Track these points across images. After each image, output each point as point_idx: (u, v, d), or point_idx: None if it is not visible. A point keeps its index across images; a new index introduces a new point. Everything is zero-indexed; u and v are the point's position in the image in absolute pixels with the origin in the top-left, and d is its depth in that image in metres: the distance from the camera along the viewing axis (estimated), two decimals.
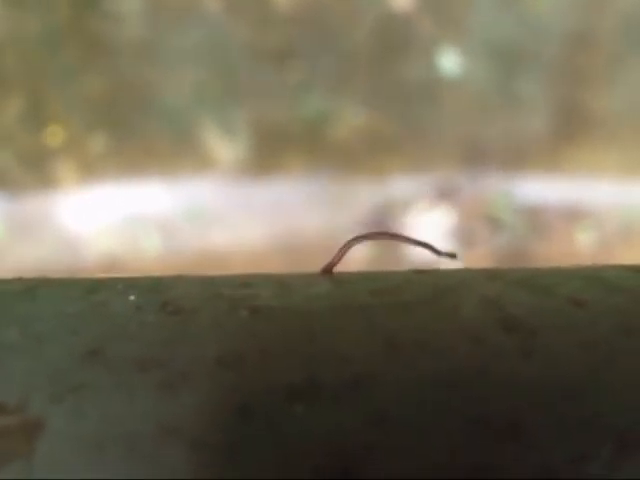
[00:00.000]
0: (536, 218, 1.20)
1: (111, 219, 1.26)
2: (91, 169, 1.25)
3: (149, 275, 0.21)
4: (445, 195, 1.20)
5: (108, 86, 1.21)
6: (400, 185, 1.20)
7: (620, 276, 0.21)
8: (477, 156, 1.18)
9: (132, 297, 0.20)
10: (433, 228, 1.21)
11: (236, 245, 1.22)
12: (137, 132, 1.22)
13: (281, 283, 0.21)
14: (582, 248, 1.18)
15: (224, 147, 1.21)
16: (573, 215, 1.20)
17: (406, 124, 1.17)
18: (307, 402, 0.17)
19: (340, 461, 0.17)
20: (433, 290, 0.20)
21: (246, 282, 0.21)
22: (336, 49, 1.16)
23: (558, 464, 0.17)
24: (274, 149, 1.20)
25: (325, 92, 1.17)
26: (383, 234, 0.24)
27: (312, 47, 1.16)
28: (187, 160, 1.22)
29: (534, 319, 0.19)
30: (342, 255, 0.23)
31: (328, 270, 0.22)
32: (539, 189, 1.19)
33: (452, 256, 0.24)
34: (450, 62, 1.15)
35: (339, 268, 0.23)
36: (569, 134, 1.17)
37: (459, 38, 1.14)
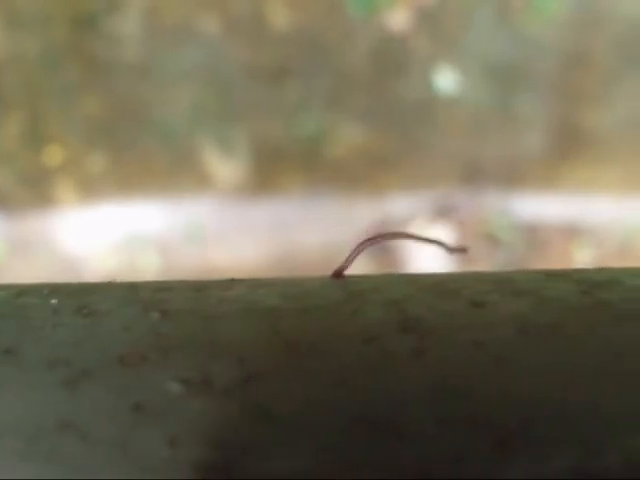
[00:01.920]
0: (534, 235, 1.21)
1: (110, 238, 1.26)
2: (90, 188, 1.25)
3: (78, 282, 0.23)
4: (443, 212, 1.20)
5: (107, 106, 1.22)
6: (398, 203, 1.20)
7: (529, 279, 0.22)
8: (475, 174, 1.19)
9: (53, 301, 0.21)
10: (431, 246, 1.21)
11: (235, 263, 1.22)
12: (135, 151, 1.23)
13: (197, 288, 0.22)
14: (580, 265, 1.18)
15: (222, 166, 1.22)
16: (571, 232, 1.20)
17: (404, 142, 1.18)
18: (199, 399, 0.18)
19: (223, 456, 0.17)
20: (342, 294, 0.21)
21: (165, 287, 0.22)
22: (333, 68, 1.16)
23: (436, 462, 0.17)
24: (272, 168, 1.21)
25: (323, 111, 1.18)
26: (393, 234, 0.24)
27: (309, 66, 1.17)
28: (185, 179, 1.23)
29: (432, 320, 0.20)
30: (353, 258, 0.23)
31: (338, 274, 0.22)
32: (537, 206, 1.20)
33: (463, 251, 0.25)
34: (447, 81, 1.16)
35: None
36: (566, 151, 1.18)
37: (455, 57, 1.15)
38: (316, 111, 1.18)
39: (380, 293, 0.21)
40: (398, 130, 1.17)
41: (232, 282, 0.22)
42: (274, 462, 0.17)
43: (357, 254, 0.23)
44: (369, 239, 0.24)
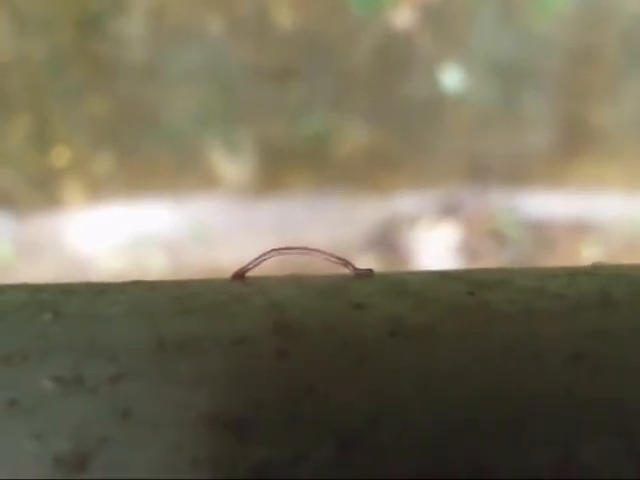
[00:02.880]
0: (541, 233, 1.20)
1: (117, 238, 1.26)
2: (97, 189, 1.25)
3: None
4: (450, 211, 1.20)
5: (113, 107, 1.22)
6: (404, 202, 1.20)
7: (421, 280, 0.22)
8: (481, 172, 1.18)
9: None
10: (438, 244, 1.21)
11: (241, 262, 1.22)
12: (142, 152, 1.23)
13: (98, 290, 0.23)
14: (587, 262, 1.17)
15: (228, 166, 1.22)
16: (578, 229, 1.19)
17: (409, 141, 1.18)
18: (69, 396, 0.19)
19: (81, 451, 0.18)
20: (227, 297, 0.22)
21: (67, 289, 0.23)
22: (338, 68, 1.16)
23: (276, 462, 0.17)
24: (277, 168, 1.21)
25: (328, 110, 1.18)
26: (301, 248, 0.25)
27: (314, 66, 1.16)
28: (191, 179, 1.23)
29: (307, 322, 0.20)
30: (257, 264, 0.24)
31: (239, 275, 0.24)
32: (544, 204, 1.19)
33: (368, 273, 0.25)
34: (452, 79, 1.15)
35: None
36: (572, 149, 1.17)
37: (460, 55, 1.15)
38: (321, 111, 1.18)
39: (265, 295, 0.22)
40: (403, 129, 1.17)
41: (133, 284, 0.23)
42: (128, 458, 0.18)
43: (261, 261, 0.24)
44: (276, 249, 0.25)
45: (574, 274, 0.23)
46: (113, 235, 1.26)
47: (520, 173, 1.18)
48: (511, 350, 0.19)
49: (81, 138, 1.24)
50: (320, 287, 0.22)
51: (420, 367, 0.19)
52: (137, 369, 0.20)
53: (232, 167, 1.22)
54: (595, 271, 0.23)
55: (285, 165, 1.20)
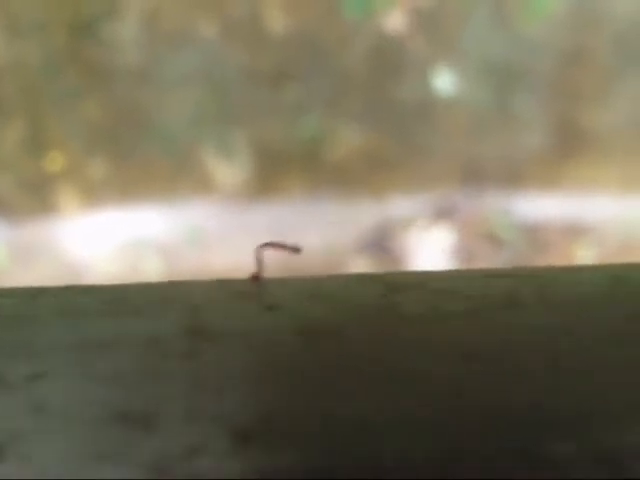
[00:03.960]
0: (535, 235, 1.20)
1: (112, 243, 1.26)
2: (91, 194, 1.25)
3: None
4: (444, 214, 1.20)
5: (107, 111, 1.22)
6: (399, 204, 1.20)
7: (338, 284, 0.23)
8: (475, 174, 1.19)
9: None
10: (433, 247, 1.21)
11: (236, 267, 1.22)
12: (137, 156, 1.23)
13: (33, 294, 0.24)
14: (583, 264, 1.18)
15: (223, 170, 1.22)
16: (573, 231, 1.20)
17: (404, 144, 1.18)
18: None
19: None
20: (153, 300, 0.23)
21: (4, 293, 0.24)
22: (331, 71, 1.16)
23: (172, 455, 0.18)
24: (273, 171, 1.21)
25: (322, 114, 1.18)
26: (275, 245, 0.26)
27: (307, 69, 1.17)
28: (186, 183, 1.23)
29: (221, 324, 0.21)
30: (260, 265, 0.25)
31: (256, 278, 0.24)
32: (538, 206, 1.19)
33: (297, 250, 0.26)
34: (445, 82, 1.16)
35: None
36: (566, 151, 1.18)
37: (453, 58, 1.15)
38: (315, 114, 1.18)
39: (187, 298, 0.23)
40: (397, 132, 1.17)
41: (66, 289, 0.24)
42: (38, 450, 0.18)
43: (261, 260, 0.25)
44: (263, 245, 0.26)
45: (489, 276, 0.23)
46: (108, 239, 1.26)
47: (514, 175, 1.18)
48: (408, 350, 0.20)
49: (75, 143, 1.24)
50: (240, 290, 0.23)
51: (324, 367, 0.20)
52: (56, 368, 0.21)
53: (227, 170, 1.22)
54: (512, 273, 0.24)
55: (280, 168, 1.21)
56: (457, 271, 0.24)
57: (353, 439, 0.18)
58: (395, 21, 1.14)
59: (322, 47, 1.16)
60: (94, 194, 1.25)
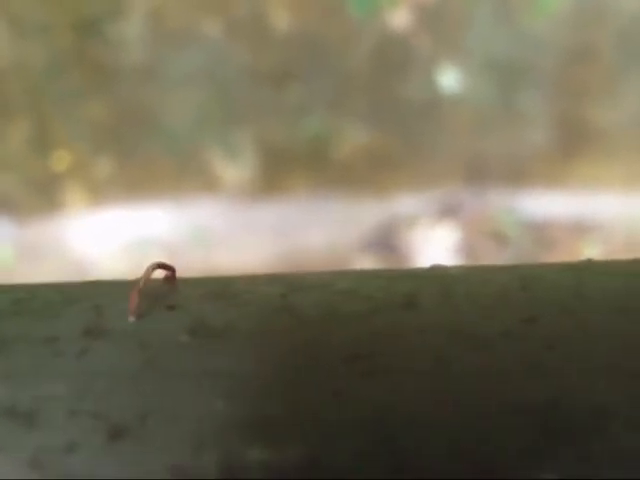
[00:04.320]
0: (541, 233, 1.20)
1: (118, 241, 1.27)
2: (97, 193, 1.26)
3: None
4: (449, 212, 1.20)
5: (112, 110, 1.23)
6: (404, 203, 1.20)
7: (245, 283, 0.24)
8: (480, 172, 1.18)
9: None
10: (438, 245, 1.21)
11: (241, 266, 1.23)
12: (142, 155, 1.24)
13: (3, 290, 0.25)
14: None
15: (227, 169, 1.22)
16: (578, 229, 1.19)
17: (408, 142, 1.18)
18: None
19: None
20: (61, 299, 0.24)
21: None
22: (336, 70, 1.16)
23: (52, 449, 0.19)
24: (277, 170, 1.21)
25: (326, 112, 1.18)
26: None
27: (312, 68, 1.17)
28: (191, 182, 1.23)
29: (118, 323, 0.22)
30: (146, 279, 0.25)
31: (170, 278, 0.25)
32: (543, 204, 1.19)
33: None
34: (449, 79, 1.15)
35: None
36: (571, 148, 1.17)
37: (458, 55, 1.15)
38: (320, 113, 1.18)
39: (91, 298, 0.23)
40: (402, 130, 1.17)
41: (37, 287, 0.25)
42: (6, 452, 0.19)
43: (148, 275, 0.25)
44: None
45: (390, 277, 0.23)
46: (114, 238, 1.27)
47: (519, 173, 1.18)
48: (294, 352, 0.20)
49: (81, 142, 1.24)
50: (148, 290, 0.24)
51: (209, 364, 0.20)
52: (24, 367, 0.21)
53: (232, 169, 1.22)
54: (420, 273, 0.24)
55: (284, 167, 1.21)
56: (365, 271, 0.24)
57: (222, 440, 0.19)
58: (399, 19, 1.14)
59: (326, 46, 1.16)
60: (100, 193, 1.26)
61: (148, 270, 0.24)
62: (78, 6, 1.21)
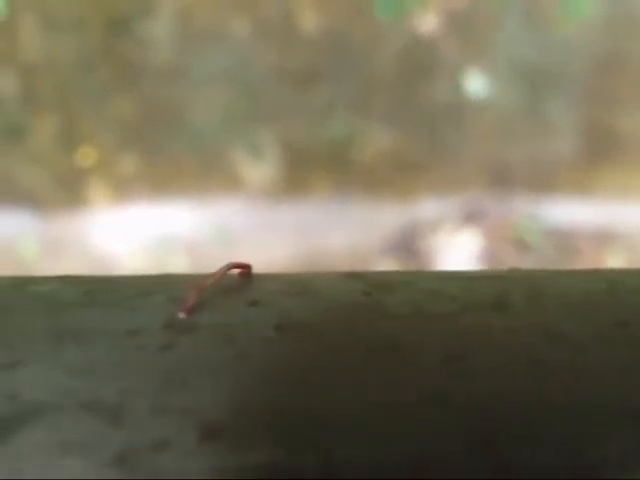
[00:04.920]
0: (564, 241, 1.19)
1: (140, 238, 1.28)
2: (122, 189, 1.27)
3: None
4: (472, 217, 1.19)
5: (139, 108, 1.24)
6: (427, 207, 1.19)
7: (324, 280, 0.23)
8: (504, 178, 1.17)
9: None
10: (460, 250, 1.20)
11: (262, 264, 1.23)
12: (167, 153, 1.24)
13: (21, 283, 0.25)
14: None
15: (251, 168, 1.23)
16: (602, 238, 1.18)
17: (432, 146, 1.17)
18: None
19: None
20: (137, 292, 0.23)
21: None
22: (362, 72, 1.16)
23: (140, 446, 0.19)
24: (300, 170, 1.21)
25: (351, 114, 1.18)
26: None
27: (338, 70, 1.17)
28: (215, 181, 1.24)
29: (200, 317, 0.22)
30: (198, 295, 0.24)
31: (245, 274, 0.24)
32: (568, 212, 1.18)
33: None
34: (476, 84, 1.15)
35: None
36: (597, 156, 1.16)
37: (485, 60, 1.14)
38: (344, 114, 1.18)
39: (168, 292, 0.23)
40: (426, 134, 1.17)
41: (54, 278, 0.24)
42: (9, 439, 0.19)
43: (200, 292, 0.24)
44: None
45: (473, 278, 0.23)
46: (137, 235, 1.28)
47: (544, 180, 1.17)
48: (388, 349, 0.20)
49: (107, 138, 1.25)
50: (225, 285, 0.23)
51: (291, 364, 0.20)
52: (31, 357, 0.21)
53: (255, 169, 1.23)
54: (503, 275, 0.23)
55: (308, 168, 1.21)
56: (446, 272, 0.24)
57: (324, 438, 0.18)
58: (427, 23, 1.14)
59: (353, 48, 1.16)
60: (124, 189, 1.26)
61: (223, 269, 0.23)
62: (109, 4, 1.22)
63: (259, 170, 1.22)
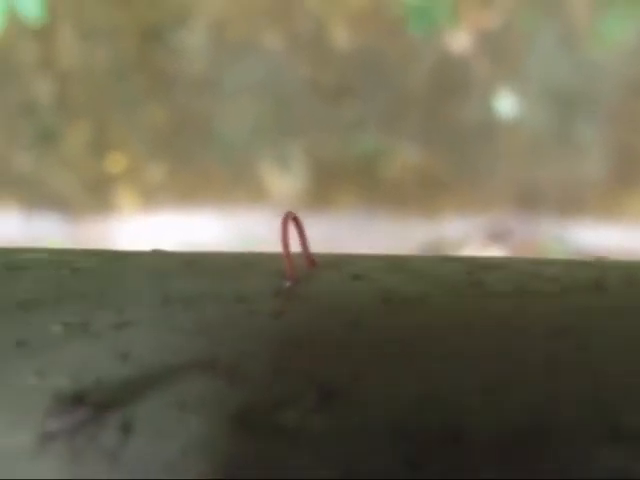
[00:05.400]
0: None
1: (166, 246, 1.28)
2: (150, 197, 1.28)
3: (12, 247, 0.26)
4: (497, 237, 1.19)
5: (170, 117, 1.25)
6: (452, 225, 1.19)
7: (423, 260, 0.24)
8: (531, 199, 1.17)
9: None
10: None
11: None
12: (195, 163, 1.25)
13: (120, 255, 0.25)
14: None
15: (278, 181, 1.23)
16: None
17: (460, 165, 1.17)
18: (73, 339, 0.21)
19: (78, 387, 0.20)
20: (239, 263, 0.24)
21: (89, 253, 0.25)
22: (392, 88, 1.17)
23: (261, 406, 0.19)
24: (328, 184, 1.21)
25: (381, 130, 1.18)
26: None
27: (368, 85, 1.17)
28: (242, 192, 1.24)
29: (307, 288, 0.22)
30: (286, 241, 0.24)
31: (312, 262, 0.24)
32: (595, 235, 1.17)
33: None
34: (506, 104, 1.15)
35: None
36: (628, 180, 1.15)
37: (516, 81, 1.14)
38: (374, 130, 1.18)
39: (271, 264, 0.23)
40: (455, 152, 1.17)
41: (150, 252, 0.25)
42: (120, 397, 0.19)
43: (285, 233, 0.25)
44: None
45: (571, 263, 0.24)
46: (163, 242, 1.28)
47: (572, 203, 1.16)
48: (498, 323, 0.20)
49: (137, 146, 1.27)
50: (326, 259, 0.24)
51: (407, 331, 0.20)
52: (141, 319, 0.21)
53: (282, 181, 1.23)
54: (594, 262, 0.24)
55: (335, 182, 1.21)
56: (537, 258, 0.24)
57: (431, 403, 0.19)
58: (460, 41, 1.14)
59: (384, 64, 1.17)
60: (152, 197, 1.28)
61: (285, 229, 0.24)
62: (144, 13, 1.24)
63: (286, 182, 1.23)
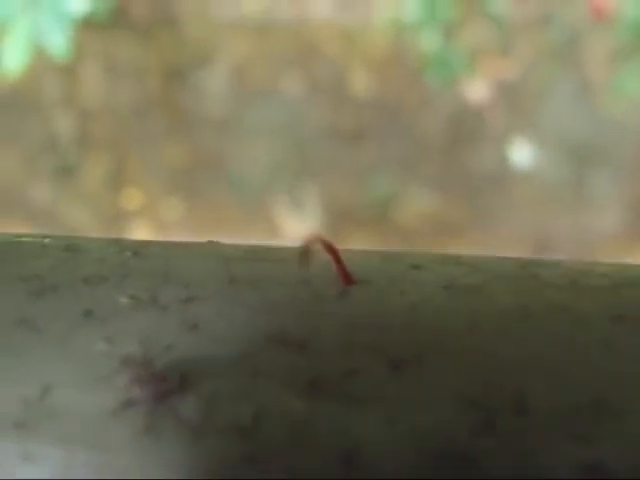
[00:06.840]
0: None
1: None
2: (163, 233, 1.29)
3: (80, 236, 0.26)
4: None
5: (188, 156, 1.27)
6: None
7: (475, 257, 0.24)
8: (545, 249, 1.17)
9: (46, 240, 0.26)
10: None
11: None
12: (210, 201, 1.26)
13: (176, 245, 0.26)
14: None
15: (292, 221, 1.24)
16: None
17: (474, 212, 1.18)
18: (141, 311, 0.22)
19: (146, 354, 0.21)
20: (291, 253, 0.24)
21: (145, 243, 0.27)
22: (409, 135, 1.18)
23: (332, 376, 0.20)
24: (341, 227, 1.22)
25: (395, 176, 1.19)
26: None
27: (385, 131, 1.19)
28: (256, 231, 1.25)
29: (370, 273, 0.24)
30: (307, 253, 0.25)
31: (349, 281, 0.25)
32: None
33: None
34: (522, 154, 1.16)
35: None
36: None
37: (532, 131, 1.15)
38: (389, 175, 1.19)
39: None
40: (469, 200, 1.17)
41: (207, 243, 0.26)
42: (190, 364, 0.20)
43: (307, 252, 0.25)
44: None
45: (619, 264, 0.24)
46: None
47: (585, 254, 1.16)
48: (555, 311, 0.21)
49: (154, 183, 1.28)
50: (383, 252, 0.25)
51: (469, 315, 0.21)
52: (208, 295, 0.22)
53: (297, 222, 1.24)
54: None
55: (348, 224, 1.21)
56: (583, 262, 0.25)
57: (496, 377, 0.19)
58: (476, 91, 1.16)
59: (401, 111, 1.18)
60: (166, 233, 1.28)
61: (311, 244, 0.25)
62: (168, 54, 1.27)
63: (300, 224, 1.24)
